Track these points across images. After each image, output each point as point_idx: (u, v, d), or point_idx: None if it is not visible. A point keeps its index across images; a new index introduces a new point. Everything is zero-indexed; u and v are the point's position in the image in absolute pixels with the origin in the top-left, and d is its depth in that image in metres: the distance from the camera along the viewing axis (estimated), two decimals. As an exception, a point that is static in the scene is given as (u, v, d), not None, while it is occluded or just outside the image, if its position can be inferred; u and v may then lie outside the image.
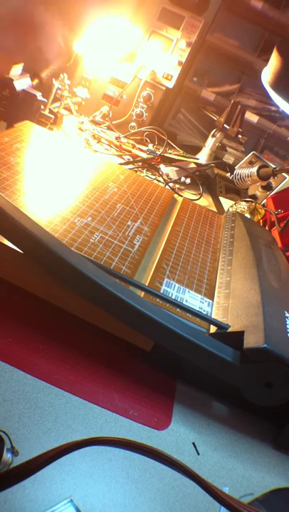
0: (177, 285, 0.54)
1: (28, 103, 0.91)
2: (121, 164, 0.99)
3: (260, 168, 1.03)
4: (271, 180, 1.07)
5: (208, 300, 0.55)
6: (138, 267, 0.57)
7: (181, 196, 0.92)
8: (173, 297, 0.52)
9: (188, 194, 1.04)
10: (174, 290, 0.53)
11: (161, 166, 1.07)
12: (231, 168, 1.26)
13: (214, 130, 1.24)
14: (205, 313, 0.52)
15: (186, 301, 0.53)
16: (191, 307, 0.51)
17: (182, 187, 1.06)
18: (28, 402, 0.43)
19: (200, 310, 0.52)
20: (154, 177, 1.02)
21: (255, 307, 0.51)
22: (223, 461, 0.48)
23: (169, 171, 1.07)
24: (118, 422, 0.46)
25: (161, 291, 0.52)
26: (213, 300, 0.56)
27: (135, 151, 1.09)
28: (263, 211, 0.94)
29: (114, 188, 0.74)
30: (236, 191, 1.15)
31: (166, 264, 0.60)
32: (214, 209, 1.04)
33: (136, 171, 1.00)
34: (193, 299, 0.54)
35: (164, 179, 1.02)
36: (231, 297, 0.55)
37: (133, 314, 0.45)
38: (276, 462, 0.51)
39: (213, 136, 1.24)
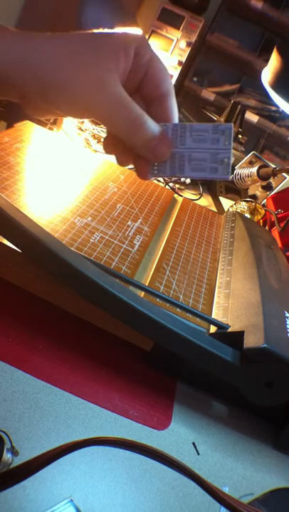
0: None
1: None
2: (121, 164, 0.98)
3: (260, 168, 1.03)
4: (271, 180, 1.07)
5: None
6: (138, 267, 0.57)
7: (181, 196, 0.92)
8: None
9: (188, 194, 1.04)
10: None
11: (161, 166, 1.07)
12: (231, 168, 1.26)
13: (214, 130, 1.24)
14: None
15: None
16: (190, 308, 0.51)
17: (182, 187, 1.06)
18: (28, 402, 0.43)
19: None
20: (154, 177, 1.02)
21: (255, 307, 0.51)
22: (223, 461, 0.48)
23: (169, 171, 1.07)
24: (118, 422, 0.46)
25: None
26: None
27: (135, 151, 1.09)
28: (263, 211, 0.94)
29: (114, 188, 0.74)
30: (236, 191, 1.15)
31: (166, 264, 0.60)
32: (214, 209, 1.04)
33: (136, 171, 1.00)
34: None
35: (164, 179, 1.02)
36: (231, 297, 0.55)
37: (133, 314, 0.45)
38: (276, 462, 0.51)
39: (213, 136, 1.23)
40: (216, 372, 0.47)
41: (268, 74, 0.81)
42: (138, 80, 0.32)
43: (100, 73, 0.30)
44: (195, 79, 1.42)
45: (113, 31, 0.32)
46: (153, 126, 0.32)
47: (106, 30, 0.32)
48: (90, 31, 0.31)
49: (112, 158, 1.02)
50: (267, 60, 0.84)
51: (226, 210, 1.00)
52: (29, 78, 0.29)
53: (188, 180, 1.08)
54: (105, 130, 1.16)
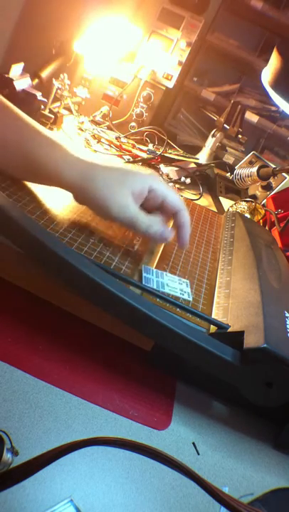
0: (155, 270, 0.56)
1: (28, 103, 0.91)
2: (121, 164, 0.99)
3: (260, 168, 1.03)
4: (271, 180, 1.07)
5: (185, 281, 0.57)
6: (138, 267, 0.57)
7: (181, 196, 0.92)
8: (154, 283, 0.53)
9: (188, 194, 1.04)
10: (153, 276, 0.55)
11: (161, 166, 1.07)
12: (231, 168, 1.26)
13: (214, 130, 1.24)
14: (186, 294, 0.54)
15: (167, 284, 0.54)
16: (190, 307, 0.51)
17: (182, 187, 1.07)
18: (28, 402, 0.43)
19: (182, 292, 0.54)
20: (154, 177, 1.02)
21: (255, 307, 0.51)
22: (223, 461, 0.48)
23: (169, 170, 1.07)
24: (118, 422, 0.46)
25: (143, 280, 0.53)
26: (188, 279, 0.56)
27: (135, 151, 1.09)
28: (263, 211, 0.94)
29: (114, 188, 0.74)
30: (236, 191, 1.15)
31: (166, 264, 0.60)
32: (214, 209, 1.04)
33: (136, 171, 1.00)
34: (172, 282, 0.55)
35: (164, 179, 1.03)
36: (231, 297, 0.55)
37: (133, 313, 0.45)
38: (276, 462, 0.51)
39: (213, 136, 1.24)
40: (216, 373, 0.47)
41: (268, 74, 0.81)
42: (158, 204, 0.55)
43: (125, 199, 0.52)
44: (195, 79, 1.42)
45: (138, 171, 0.54)
46: (156, 227, 0.54)
47: (133, 170, 0.54)
48: (123, 167, 0.55)
49: (112, 158, 1.02)
50: (267, 60, 0.84)
51: (226, 210, 1.00)
52: (85, 191, 0.54)
53: (188, 180, 1.08)
54: (105, 130, 1.16)
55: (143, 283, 0.52)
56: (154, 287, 0.52)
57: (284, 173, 1.03)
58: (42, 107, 0.95)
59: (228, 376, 0.47)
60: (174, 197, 0.55)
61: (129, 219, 0.52)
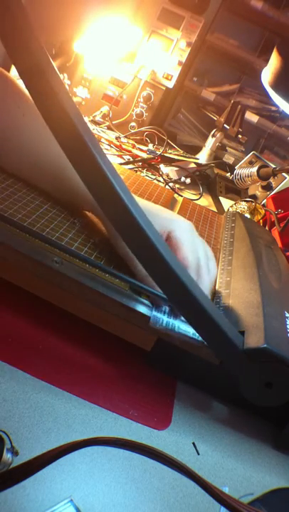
0: (168, 308, 0.51)
1: (28, 103, 0.90)
2: (121, 164, 0.99)
3: (260, 168, 1.03)
4: (271, 180, 1.07)
5: None
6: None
7: (181, 196, 0.92)
8: (164, 322, 0.48)
9: (188, 194, 1.04)
10: (164, 315, 0.49)
11: (161, 166, 1.07)
12: (231, 168, 1.26)
13: (214, 130, 1.24)
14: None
15: (179, 326, 0.49)
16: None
17: (182, 187, 1.07)
18: (28, 402, 0.43)
19: (194, 333, 0.49)
20: (154, 177, 1.02)
21: (255, 307, 0.51)
22: (223, 461, 0.48)
23: (169, 170, 1.07)
24: (118, 422, 0.46)
25: (151, 318, 0.48)
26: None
27: (135, 151, 1.09)
28: (263, 211, 0.94)
29: (114, 188, 0.74)
30: (236, 191, 1.15)
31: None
32: (214, 209, 1.04)
33: (136, 171, 1.00)
34: (185, 323, 0.50)
35: (164, 179, 1.02)
36: (231, 297, 0.55)
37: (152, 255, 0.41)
38: (276, 462, 0.51)
39: (213, 136, 1.24)
40: (216, 350, 0.45)
41: (268, 74, 0.81)
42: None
43: None
44: (195, 79, 1.42)
45: (162, 214, 0.52)
46: None
47: (159, 212, 0.53)
48: (149, 206, 0.53)
49: (112, 158, 1.02)
50: (267, 60, 0.84)
51: (226, 210, 1.00)
52: None
53: (188, 180, 1.08)
54: (105, 130, 1.16)
55: (151, 320, 0.47)
56: (164, 326, 0.47)
57: (284, 173, 1.03)
58: (42, 107, 0.95)
59: (229, 361, 0.46)
60: (185, 254, 0.50)
61: (131, 258, 0.51)
